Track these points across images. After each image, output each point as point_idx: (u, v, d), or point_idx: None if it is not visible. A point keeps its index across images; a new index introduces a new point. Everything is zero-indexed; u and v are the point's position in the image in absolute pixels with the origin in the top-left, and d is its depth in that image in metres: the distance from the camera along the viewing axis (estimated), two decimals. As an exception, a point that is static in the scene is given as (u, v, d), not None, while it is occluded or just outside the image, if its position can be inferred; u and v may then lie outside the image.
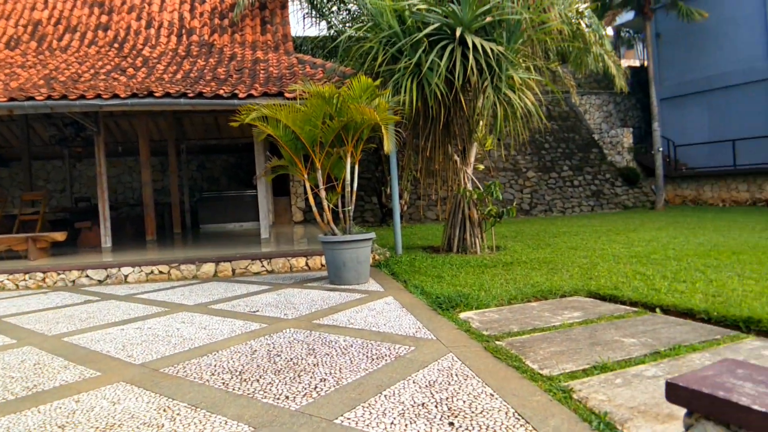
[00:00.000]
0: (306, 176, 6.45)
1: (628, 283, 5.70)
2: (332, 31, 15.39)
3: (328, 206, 6.43)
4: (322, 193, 6.34)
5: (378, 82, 6.33)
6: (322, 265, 7.76)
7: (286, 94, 7.49)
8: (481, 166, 9.56)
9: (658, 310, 4.72)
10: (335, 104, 6.03)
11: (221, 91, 7.77)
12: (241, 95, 7.60)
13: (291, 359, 3.63)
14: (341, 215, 6.50)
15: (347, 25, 13.54)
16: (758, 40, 18.70)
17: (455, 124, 7.91)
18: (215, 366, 3.58)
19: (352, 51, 7.86)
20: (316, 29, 15.73)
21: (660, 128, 19.36)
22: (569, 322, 4.31)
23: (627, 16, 21.19)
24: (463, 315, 4.62)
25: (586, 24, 10.63)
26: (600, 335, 3.90)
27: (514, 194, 18.61)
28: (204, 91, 7.75)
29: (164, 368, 3.59)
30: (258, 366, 3.52)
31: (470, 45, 6.49)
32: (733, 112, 19.64)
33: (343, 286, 6.35)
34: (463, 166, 8.82)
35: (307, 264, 7.88)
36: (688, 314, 4.54)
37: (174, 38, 12.33)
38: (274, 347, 3.95)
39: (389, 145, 5.79)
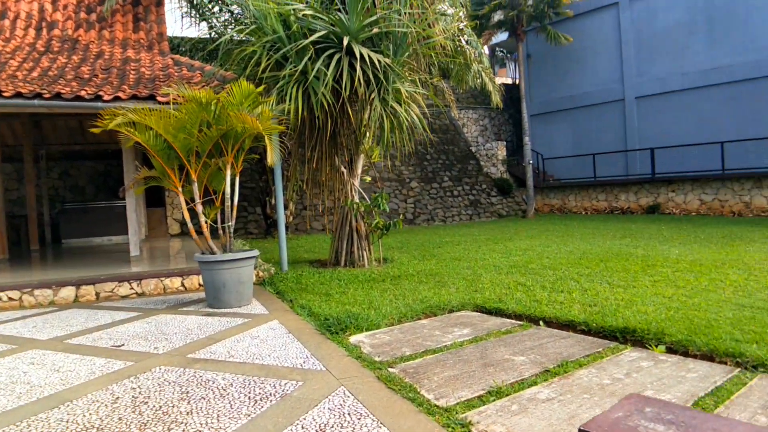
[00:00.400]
0: (180, 189, 5.89)
1: (511, 295, 5.83)
2: (213, 33, 14.62)
3: (206, 222, 5.92)
4: (199, 208, 5.82)
5: (261, 88, 5.95)
6: (201, 285, 7.18)
7: (159, 98, 6.85)
8: (368, 178, 9.46)
9: (541, 323, 4.83)
10: (213, 111, 5.57)
11: (83, 92, 6.94)
12: (106, 97, 6.83)
13: (160, 407, 3.16)
14: (221, 231, 6.01)
15: (229, 27, 12.91)
16: (614, 65, 20.62)
17: (342, 135, 7.73)
18: (67, 422, 3.01)
19: (234, 54, 7.39)
20: (196, 30, 14.84)
21: (530, 142, 20.64)
22: (460, 341, 4.25)
23: (501, 36, 22.43)
24: (353, 339, 4.40)
25: (465, 41, 10.97)
26: (491, 354, 3.86)
27: (398, 204, 18.84)
28: (63, 91, 6.87)
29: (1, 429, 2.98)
30: (120, 419, 3.01)
31: (357, 55, 6.34)
32: (593, 128, 21.46)
33: (223, 310, 5.85)
34: (351, 178, 8.65)
35: (183, 285, 7.25)
36: (569, 326, 4.69)
37: (32, 32, 10.96)
38: (140, 392, 3.44)
39: (273, 157, 5.44)
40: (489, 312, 5.30)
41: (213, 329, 5.04)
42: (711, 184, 17.71)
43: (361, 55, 6.35)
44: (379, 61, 6.63)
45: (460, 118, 23.03)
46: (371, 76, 6.55)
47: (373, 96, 6.75)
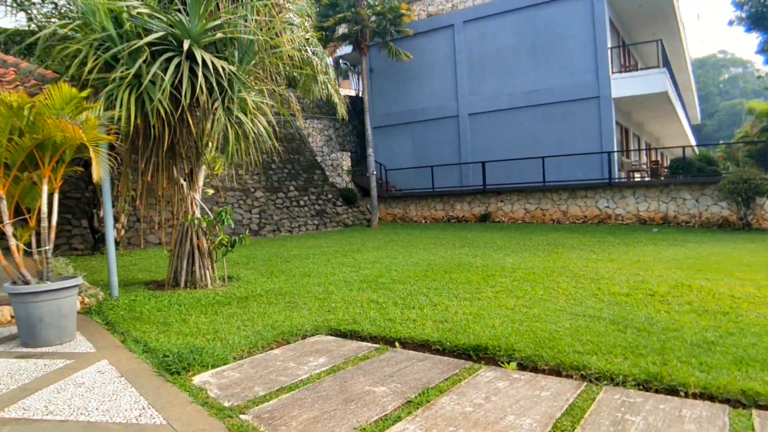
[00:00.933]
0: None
1: (365, 315, 5.75)
2: (33, 25, 12.73)
3: (17, 246, 4.99)
4: (8, 230, 4.88)
5: (86, 92, 5.15)
6: (13, 317, 6.07)
7: None
8: (211, 191, 8.85)
9: (397, 344, 4.80)
10: (27, 117, 4.71)
11: None
12: None
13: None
14: (36, 256, 5.10)
15: (53, 20, 11.27)
16: (450, 83, 21.95)
17: (182, 146, 7.10)
18: None
19: (55, 51, 6.36)
20: (12, 20, 12.82)
21: (374, 154, 21.13)
22: (317, 373, 4.03)
23: (346, 49, 22.73)
24: (198, 379, 3.94)
25: (312, 52, 10.83)
26: (351, 387, 3.70)
27: (243, 215, 18.07)
28: None
29: None
30: None
31: (200, 60, 5.82)
32: (432, 142, 22.64)
33: (41, 350, 4.93)
34: (191, 191, 8.00)
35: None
36: (425, 345, 4.71)
37: None
38: None
39: (99, 172, 4.70)
40: (344, 335, 5.15)
41: (27, 376, 4.18)
42: (534, 195, 19.59)
43: (204, 60, 5.85)
44: (223, 68, 6.18)
45: (305, 128, 22.86)
46: (215, 84, 6.07)
47: (216, 105, 6.27)
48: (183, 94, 5.83)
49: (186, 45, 5.78)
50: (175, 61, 5.90)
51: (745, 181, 14.92)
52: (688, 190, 17.12)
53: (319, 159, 22.71)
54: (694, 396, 3.44)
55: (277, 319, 5.63)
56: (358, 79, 28.36)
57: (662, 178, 21.41)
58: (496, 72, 20.94)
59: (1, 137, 4.62)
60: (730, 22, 22.43)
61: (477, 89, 21.40)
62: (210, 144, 7.34)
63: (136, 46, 5.75)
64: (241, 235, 8.10)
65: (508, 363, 4.14)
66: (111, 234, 7.08)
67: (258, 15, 7.10)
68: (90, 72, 5.95)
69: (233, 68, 6.17)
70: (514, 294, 6.68)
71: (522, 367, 4.09)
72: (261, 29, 7.18)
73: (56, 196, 5.11)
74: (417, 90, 22.79)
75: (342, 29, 21.05)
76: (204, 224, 7.89)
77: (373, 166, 20.91)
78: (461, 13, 21.44)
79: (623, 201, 18.17)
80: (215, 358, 4.30)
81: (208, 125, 6.45)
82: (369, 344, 4.81)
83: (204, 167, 8.21)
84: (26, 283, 5.01)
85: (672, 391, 3.52)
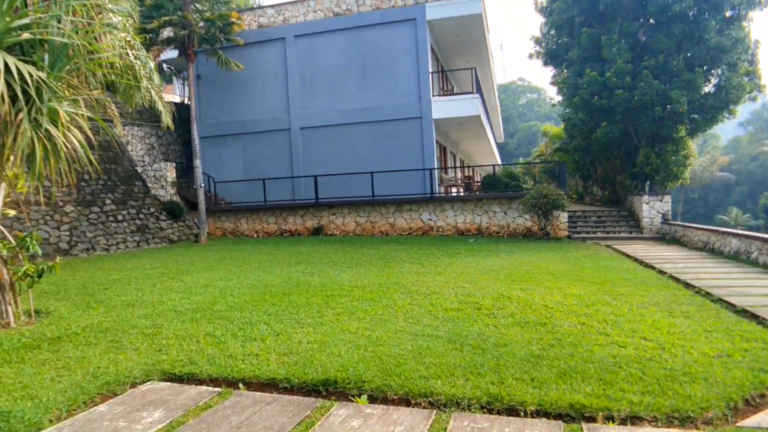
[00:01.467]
0: None
1: (202, 352, 5.36)
2: None
3: None
4: None
5: None
6: None
7: None
8: (12, 212, 7.60)
9: (241, 385, 4.54)
10: None
11: None
12: None
13: None
14: None
15: None
16: (281, 96, 21.72)
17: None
18: None
19: None
20: None
21: (201, 165, 20.07)
22: None
23: (171, 53, 21.29)
24: (4, 453, 3.32)
25: (134, 56, 9.95)
26: (195, 443, 3.39)
27: (50, 232, 15.89)
28: None
29: None
30: None
31: (1, 65, 4.94)
32: (263, 154, 22.17)
33: None
34: (-17, 214, 6.80)
35: None
36: (271, 385, 4.52)
37: None
38: None
39: None
40: (180, 379, 4.73)
41: None
42: (364, 209, 20.18)
43: (6, 64, 4.98)
44: (30, 74, 5.34)
45: (124, 135, 20.91)
46: (19, 93, 5.21)
47: (21, 116, 5.38)
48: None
49: (-19, 47, 4.87)
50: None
51: (544, 197, 16.99)
52: (498, 204, 19.02)
53: (140, 170, 20.91)
54: (533, 414, 3.75)
55: (99, 365, 4.99)
56: (184, 85, 26.75)
57: (476, 192, 23.52)
58: (327, 88, 21.23)
59: None
60: (530, 56, 25.37)
61: (308, 103, 21.48)
62: (12, 159, 6.29)
63: None
64: (50, 263, 7.07)
65: (359, 396, 4.14)
66: None
67: (74, 15, 6.27)
68: None
69: (43, 75, 5.35)
70: (355, 315, 6.75)
71: (372, 399, 4.12)
72: (77, 32, 6.36)
73: None
74: (248, 101, 22.18)
75: (167, 32, 19.71)
76: (5, 252, 6.75)
77: (201, 178, 19.85)
78: (292, 27, 21.38)
79: (443, 214, 19.53)
80: (27, 424, 3.65)
81: (9, 139, 5.50)
82: (210, 388, 4.48)
83: (3, 186, 7.03)
84: None
85: (513, 411, 3.80)
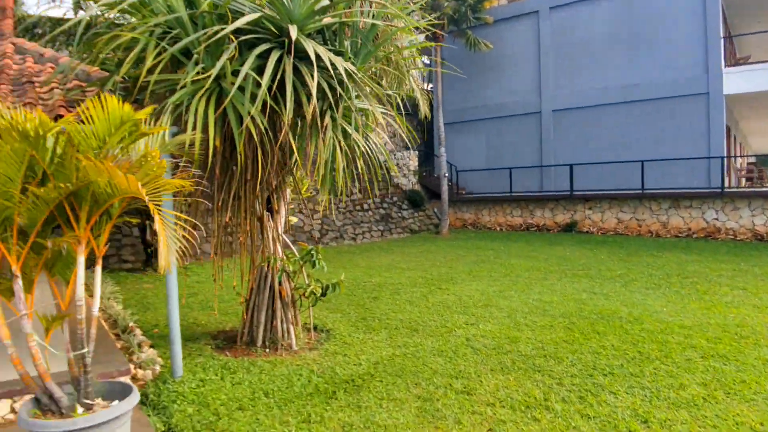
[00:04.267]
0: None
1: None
2: (80, 12, 11.20)
3: (39, 344, 3.22)
4: (26, 326, 3.11)
5: (147, 111, 3.19)
6: None
7: None
8: (294, 219, 7.01)
9: None
10: (52, 151, 2.94)
11: None
12: None
13: None
14: (70, 363, 3.31)
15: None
16: (532, 76, 19.62)
17: (265, 170, 5.25)
18: None
19: (102, 41, 4.44)
20: (60, 7, 11.46)
21: (446, 153, 19.08)
22: None
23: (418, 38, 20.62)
24: None
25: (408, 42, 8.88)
26: None
27: (303, 221, 16.37)
28: None
29: None
30: None
31: (312, 55, 3.89)
32: (508, 141, 20.39)
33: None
34: (272, 223, 6.19)
35: (13, 411, 4.38)
36: None
37: None
38: None
39: (167, 258, 2.80)
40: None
41: None
42: (628, 203, 17.23)
43: (318, 55, 3.93)
44: (345, 69, 4.23)
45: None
46: (327, 89, 4.16)
47: (327, 119, 4.36)
48: (286, 102, 3.90)
49: (294, 33, 3.83)
50: (274, 56, 4.00)
51: None
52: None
53: (381, 157, 20.74)
54: None
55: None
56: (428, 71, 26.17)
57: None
58: (586, 64, 18.52)
59: (12, 186, 2.83)
60: None
61: (563, 83, 19.03)
62: (316, 167, 5.46)
63: (221, 34, 3.84)
64: (335, 281, 6.24)
65: None
66: (174, 285, 5.28)
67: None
68: (150, 71, 4.10)
69: (352, 67, 4.23)
70: (741, 396, 4.59)
71: None
72: (372, 16, 5.22)
73: (99, 268, 3.29)
74: (494, 83, 20.54)
75: (415, 17, 18.96)
76: (290, 268, 6.08)
77: (445, 167, 18.88)
78: (548, -2, 19.05)
79: (736, 213, 15.65)
80: None
81: (312, 146, 4.55)
82: None
83: (288, 191, 6.38)
84: (51, 398, 3.23)
85: None
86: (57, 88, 5.39)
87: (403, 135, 6.69)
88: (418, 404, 4.51)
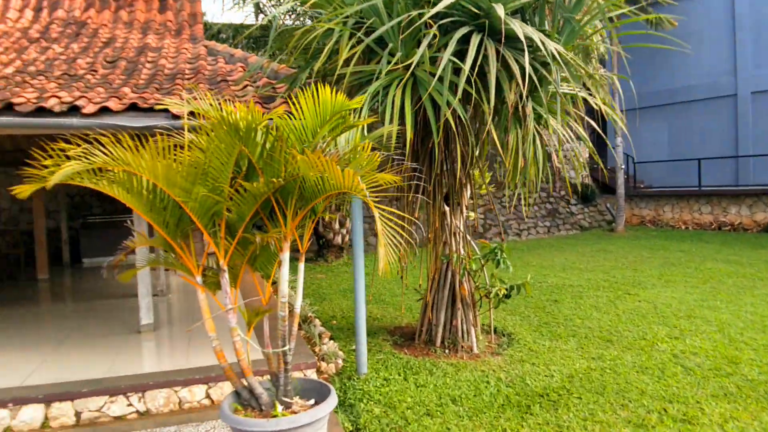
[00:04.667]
0: (200, 278, 3.23)
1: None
2: (262, 17, 11.95)
3: (242, 338, 3.24)
4: (232, 320, 3.15)
5: (360, 100, 3.01)
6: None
7: (174, 109, 4.09)
8: (473, 214, 6.68)
9: None
10: (262, 145, 2.90)
11: (50, 102, 4.28)
12: (86, 109, 4.21)
13: None
14: (270, 359, 3.30)
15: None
16: (725, 55, 17.19)
17: (465, 163, 4.96)
18: None
19: (295, 38, 4.45)
20: (242, 13, 12.42)
21: (622, 143, 17.43)
22: None
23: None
24: None
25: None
26: None
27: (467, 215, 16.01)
28: (16, 101, 4.22)
29: None
30: None
31: (522, 37, 3.45)
32: (694, 128, 18.13)
33: None
34: (453, 218, 5.91)
35: (209, 396, 4.64)
36: None
37: (29, 13, 8.46)
38: None
39: (385, 262, 2.59)
40: None
41: None
42: None
43: (528, 37, 3.50)
44: (556, 51, 3.74)
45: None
46: (531, 72, 3.72)
47: (529, 108, 3.93)
48: (489, 90, 3.53)
49: (501, 12, 3.42)
50: (475, 39, 3.66)
51: None
52: None
53: (549, 149, 19.63)
54: None
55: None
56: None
57: None
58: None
59: (222, 179, 2.82)
60: None
61: (764, 61, 16.35)
62: (509, 160, 5.08)
63: (423, 19, 3.57)
64: (520, 282, 5.78)
65: None
66: (362, 293, 5.21)
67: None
68: (346, 63, 3.99)
69: (560, 48, 3.73)
70: None
71: None
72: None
73: (302, 267, 3.22)
74: (677, 64, 18.33)
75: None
76: (473, 266, 5.75)
77: (622, 159, 17.26)
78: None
79: None
80: None
81: (513, 137, 4.15)
82: None
83: (469, 186, 6.06)
84: (252, 393, 3.22)
85: None
86: (249, 85, 5.61)
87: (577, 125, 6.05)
88: (629, 430, 3.92)
